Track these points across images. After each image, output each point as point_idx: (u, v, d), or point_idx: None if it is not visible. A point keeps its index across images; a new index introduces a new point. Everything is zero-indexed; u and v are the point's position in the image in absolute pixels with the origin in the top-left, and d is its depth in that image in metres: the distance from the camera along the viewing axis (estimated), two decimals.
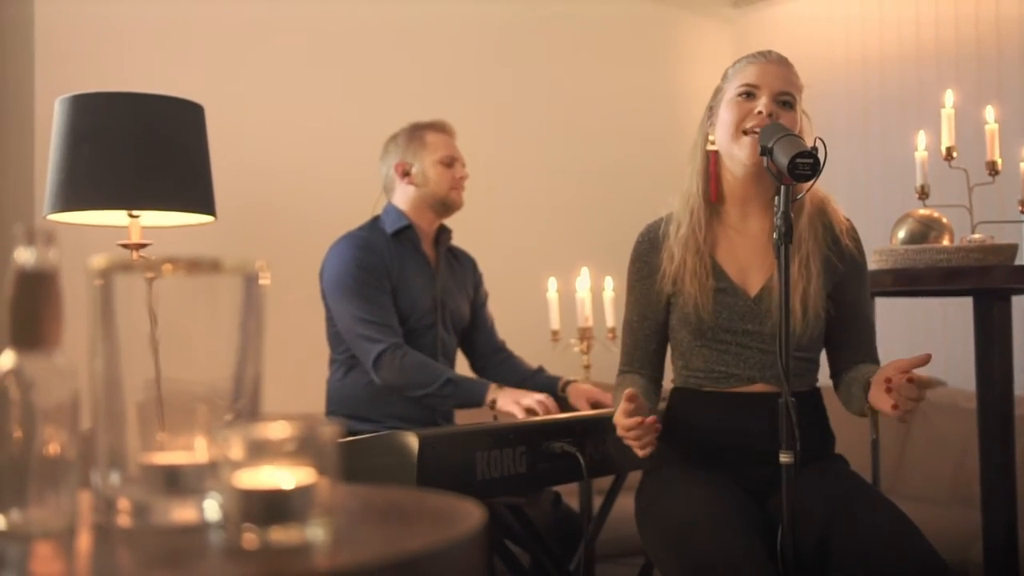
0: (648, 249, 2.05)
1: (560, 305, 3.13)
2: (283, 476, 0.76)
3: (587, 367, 2.99)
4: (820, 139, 1.79)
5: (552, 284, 3.13)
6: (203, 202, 2.23)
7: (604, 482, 2.53)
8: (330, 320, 2.67)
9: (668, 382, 2.11)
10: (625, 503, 2.28)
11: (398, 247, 2.66)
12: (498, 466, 2.02)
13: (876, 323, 2.10)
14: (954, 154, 2.48)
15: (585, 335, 2.99)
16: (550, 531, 2.42)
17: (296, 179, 3.63)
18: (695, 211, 1.99)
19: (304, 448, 0.77)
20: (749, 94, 1.93)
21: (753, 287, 1.97)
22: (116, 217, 2.22)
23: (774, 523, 1.79)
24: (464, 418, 2.65)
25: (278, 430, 0.77)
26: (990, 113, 2.49)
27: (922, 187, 2.50)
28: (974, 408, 2.47)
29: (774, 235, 1.72)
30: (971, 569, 2.86)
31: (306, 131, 3.66)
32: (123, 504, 0.86)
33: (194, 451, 0.87)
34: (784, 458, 1.70)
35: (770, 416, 1.73)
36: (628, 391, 1.78)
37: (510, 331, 2.96)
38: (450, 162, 2.69)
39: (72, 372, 0.85)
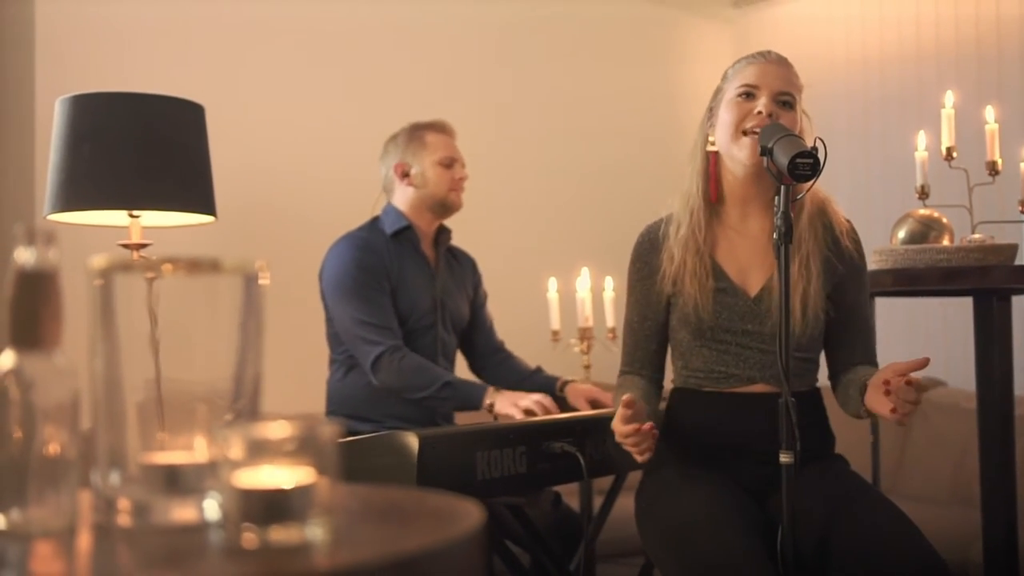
0: (648, 250, 2.05)
1: (560, 305, 3.13)
2: (283, 476, 0.76)
3: (587, 367, 2.99)
4: (820, 139, 1.79)
5: (552, 284, 3.13)
6: (203, 202, 2.23)
7: (604, 482, 2.53)
8: (330, 320, 2.67)
9: (668, 382, 2.12)
10: (625, 503, 2.28)
11: (398, 248, 2.66)
12: (498, 466, 2.02)
13: (876, 323, 2.10)
14: (954, 154, 2.48)
15: (585, 335, 2.99)
16: (550, 531, 2.42)
17: (296, 179, 3.63)
18: (695, 212, 1.99)
19: (304, 448, 0.77)
20: (749, 94, 1.93)
21: (753, 287, 1.97)
22: (116, 217, 2.22)
23: (774, 523, 1.79)
24: (464, 418, 2.65)
25: (278, 430, 0.77)
26: (990, 113, 2.49)
27: (922, 187, 2.50)
28: (974, 408, 2.47)
29: (774, 235, 1.72)
30: (971, 569, 2.86)
31: (306, 131, 3.66)
32: (123, 504, 0.86)
33: (194, 451, 0.88)
34: (784, 458, 1.70)
35: (770, 416, 1.73)
36: (625, 397, 1.77)
37: (510, 331, 2.96)
38: (449, 163, 2.69)
39: (72, 372, 0.85)
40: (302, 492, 0.76)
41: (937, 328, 4.12)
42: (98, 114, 2.12)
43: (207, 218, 2.27)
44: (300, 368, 2.92)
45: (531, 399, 2.37)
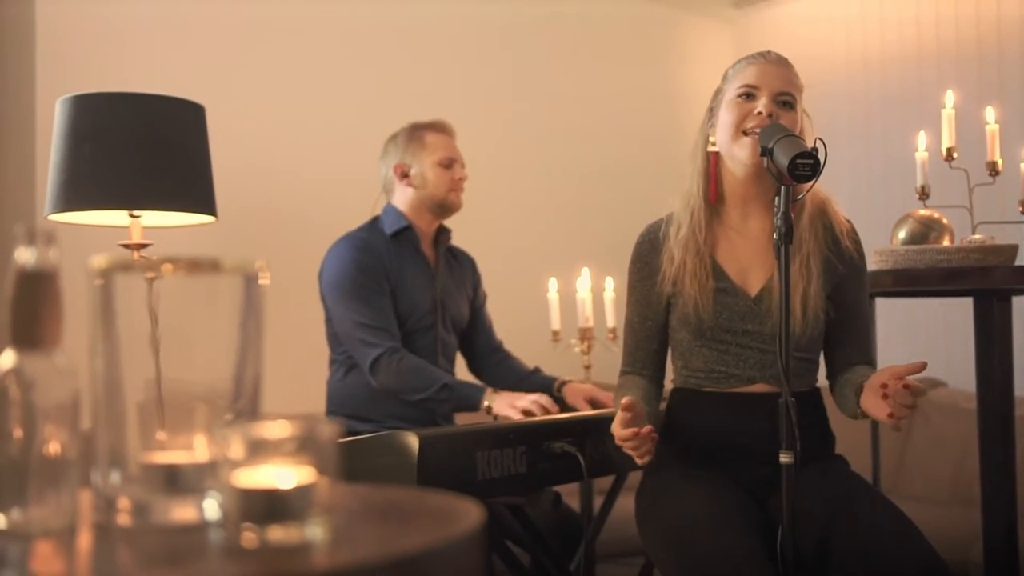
0: (648, 250, 2.05)
1: (561, 305, 3.13)
2: (283, 475, 0.76)
3: (588, 367, 2.99)
4: (820, 139, 1.79)
5: (553, 284, 3.13)
6: (204, 202, 2.23)
7: (604, 482, 2.53)
8: (329, 321, 2.67)
9: (668, 382, 2.12)
10: (625, 503, 2.28)
11: (397, 248, 2.66)
12: (498, 466, 2.02)
13: (876, 324, 2.10)
14: (954, 155, 2.48)
15: (586, 335, 2.99)
16: (550, 531, 2.41)
17: (296, 179, 3.63)
18: (695, 212, 1.99)
19: (304, 448, 0.77)
20: (749, 95, 1.93)
21: (753, 287, 1.97)
22: (117, 217, 2.22)
23: (774, 523, 1.79)
24: (464, 418, 2.65)
25: (278, 430, 0.77)
26: (990, 114, 2.49)
27: (922, 187, 2.50)
28: (974, 408, 2.47)
29: (774, 236, 1.72)
30: (971, 569, 2.86)
31: (306, 131, 3.66)
32: (123, 503, 0.86)
33: (194, 451, 0.88)
34: (784, 458, 1.70)
35: (770, 416, 1.73)
36: (624, 400, 1.77)
37: (510, 331, 2.96)
38: (449, 163, 2.69)
39: (72, 372, 0.85)
40: (302, 492, 0.76)
41: (937, 329, 4.12)
42: (99, 114, 2.12)
43: (207, 218, 2.27)
44: (300, 368, 2.92)
45: (528, 400, 2.37)
